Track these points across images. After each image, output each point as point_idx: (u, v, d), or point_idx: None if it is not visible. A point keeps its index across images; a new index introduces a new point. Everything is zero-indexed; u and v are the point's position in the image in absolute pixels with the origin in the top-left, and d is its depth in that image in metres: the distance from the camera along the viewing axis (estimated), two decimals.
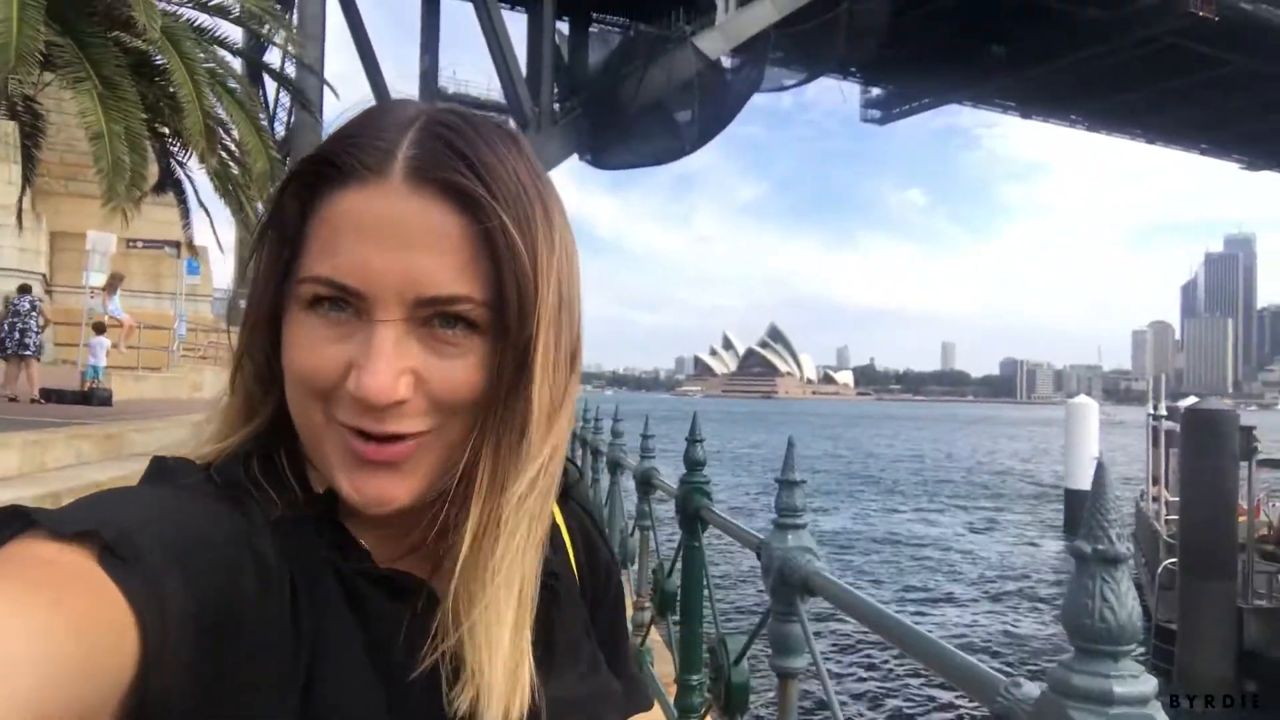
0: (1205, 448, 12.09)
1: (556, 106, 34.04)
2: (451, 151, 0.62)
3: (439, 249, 0.61)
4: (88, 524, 0.50)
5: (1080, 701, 1.10)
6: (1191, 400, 15.66)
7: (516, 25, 35.22)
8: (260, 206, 9.72)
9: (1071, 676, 1.12)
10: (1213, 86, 51.35)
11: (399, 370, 0.60)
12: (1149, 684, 1.11)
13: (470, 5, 32.69)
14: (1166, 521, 15.55)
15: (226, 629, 0.54)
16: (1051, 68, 48.68)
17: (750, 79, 37.52)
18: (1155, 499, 17.64)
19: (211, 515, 0.59)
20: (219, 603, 0.54)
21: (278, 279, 0.64)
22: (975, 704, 1.35)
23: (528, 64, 33.05)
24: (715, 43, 33.64)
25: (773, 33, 34.60)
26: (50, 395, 12.69)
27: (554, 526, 0.78)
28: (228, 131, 9.06)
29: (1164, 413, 17.98)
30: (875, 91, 57.53)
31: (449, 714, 0.62)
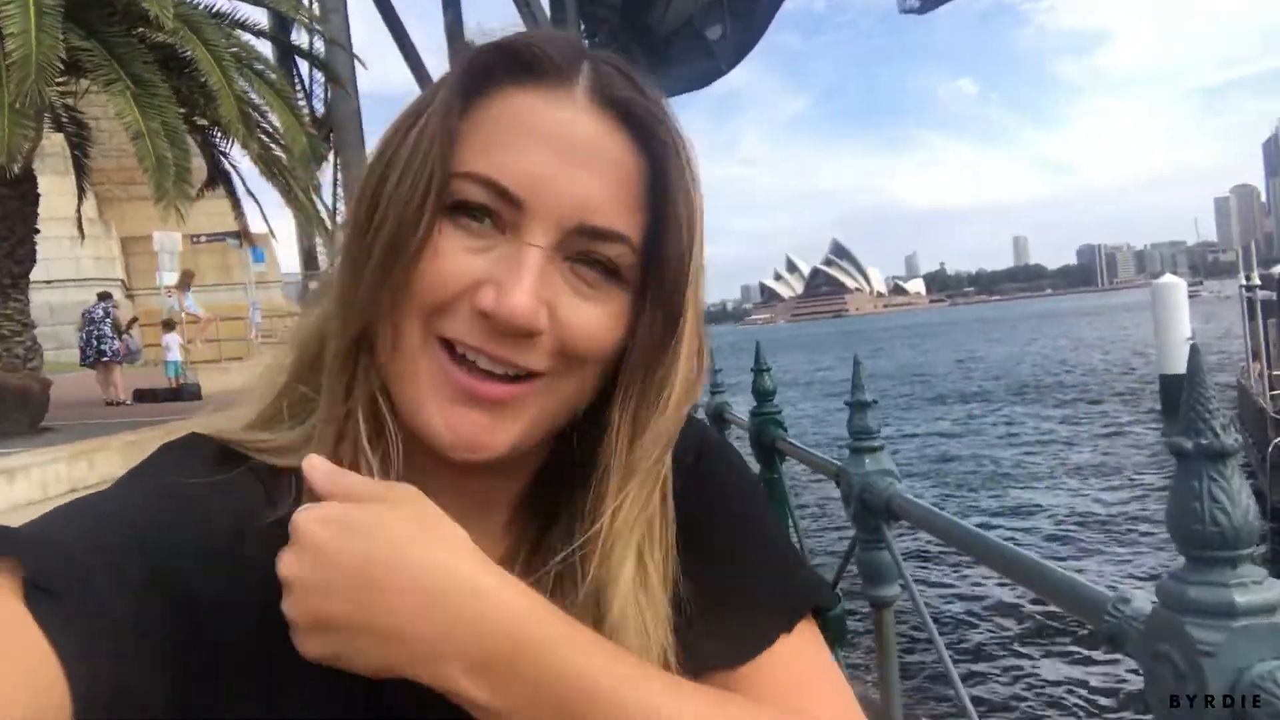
0: None
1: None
2: (633, 84, 0.59)
3: (611, 178, 0.58)
4: (14, 548, 0.45)
5: (1198, 616, 1.00)
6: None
7: None
8: (303, 192, 9.78)
9: (1186, 589, 1.02)
10: None
11: (542, 297, 0.56)
12: (1275, 590, 1.00)
13: None
14: (1272, 397, 14.87)
15: (191, 647, 0.50)
16: None
17: None
18: (1259, 375, 16.87)
19: (192, 517, 0.54)
20: (182, 621, 0.50)
21: (426, 181, 0.56)
22: (1083, 624, 1.24)
23: (551, 2, 32.44)
24: None
25: None
26: (144, 395, 13.25)
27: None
28: (264, 116, 9.12)
29: (1257, 282, 17.09)
30: None
31: None
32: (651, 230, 0.58)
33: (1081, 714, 7.41)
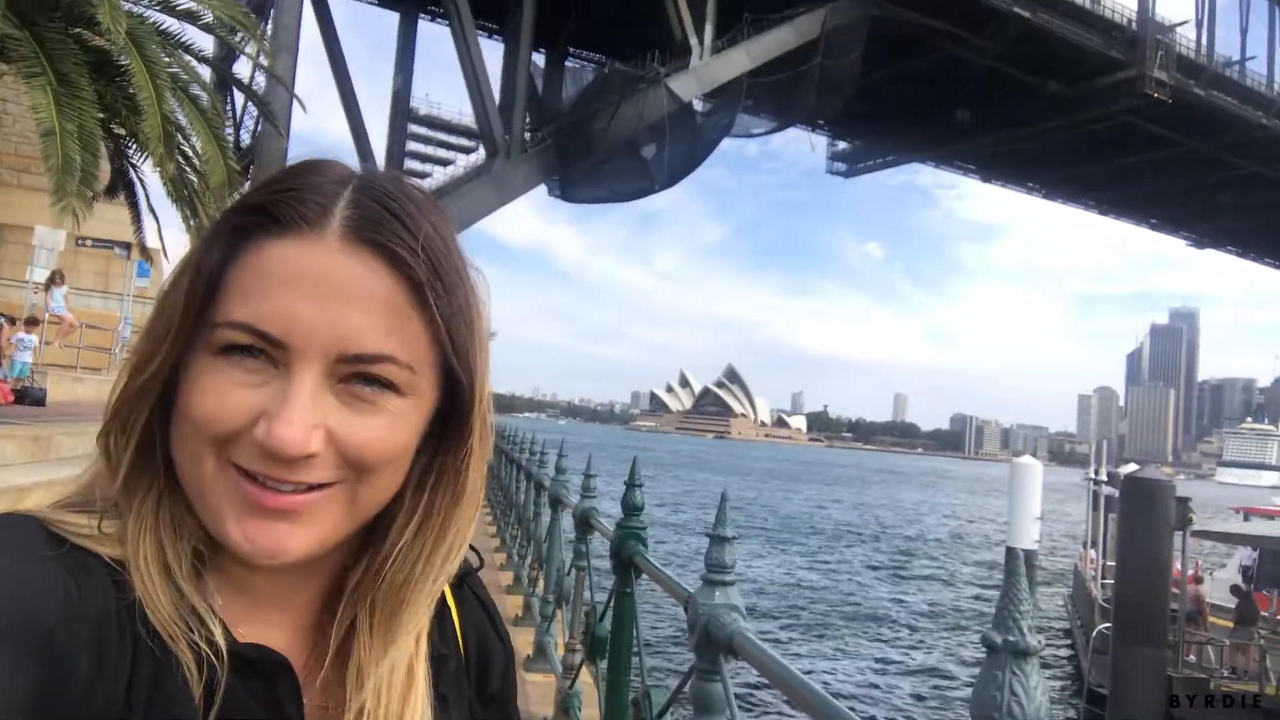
0: (1142, 515, 12.32)
1: (527, 136, 34.16)
2: (387, 213, 0.63)
3: (369, 307, 0.61)
4: None
5: None
6: (1132, 467, 16.01)
7: (492, 53, 35.48)
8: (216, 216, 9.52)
9: None
10: (1163, 165, 53.24)
11: (313, 423, 0.60)
12: None
13: (447, 29, 32.85)
14: (1103, 586, 15.80)
15: (53, 712, 0.52)
16: (1013, 136, 50.13)
17: (721, 124, 38.09)
18: (1092, 563, 17.94)
19: (46, 587, 0.55)
20: (43, 692, 0.51)
21: (189, 324, 0.62)
22: None
23: (501, 91, 33.19)
24: (689, 86, 34.14)
25: (746, 81, 35.23)
26: None
27: (445, 609, 0.77)
28: (187, 138, 8.91)
29: (1104, 478, 18.36)
30: (842, 145, 58.71)
31: None
32: (422, 343, 0.63)
33: None
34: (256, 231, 0.62)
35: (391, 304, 0.62)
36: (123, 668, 0.56)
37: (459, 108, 38.61)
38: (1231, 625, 14.15)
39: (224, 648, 0.61)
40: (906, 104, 48.34)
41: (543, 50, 40.27)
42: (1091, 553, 18.39)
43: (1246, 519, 20.60)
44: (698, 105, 36.55)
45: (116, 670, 0.56)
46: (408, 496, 0.67)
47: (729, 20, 34.90)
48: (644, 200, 39.81)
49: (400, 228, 0.62)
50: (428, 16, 40.16)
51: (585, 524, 4.77)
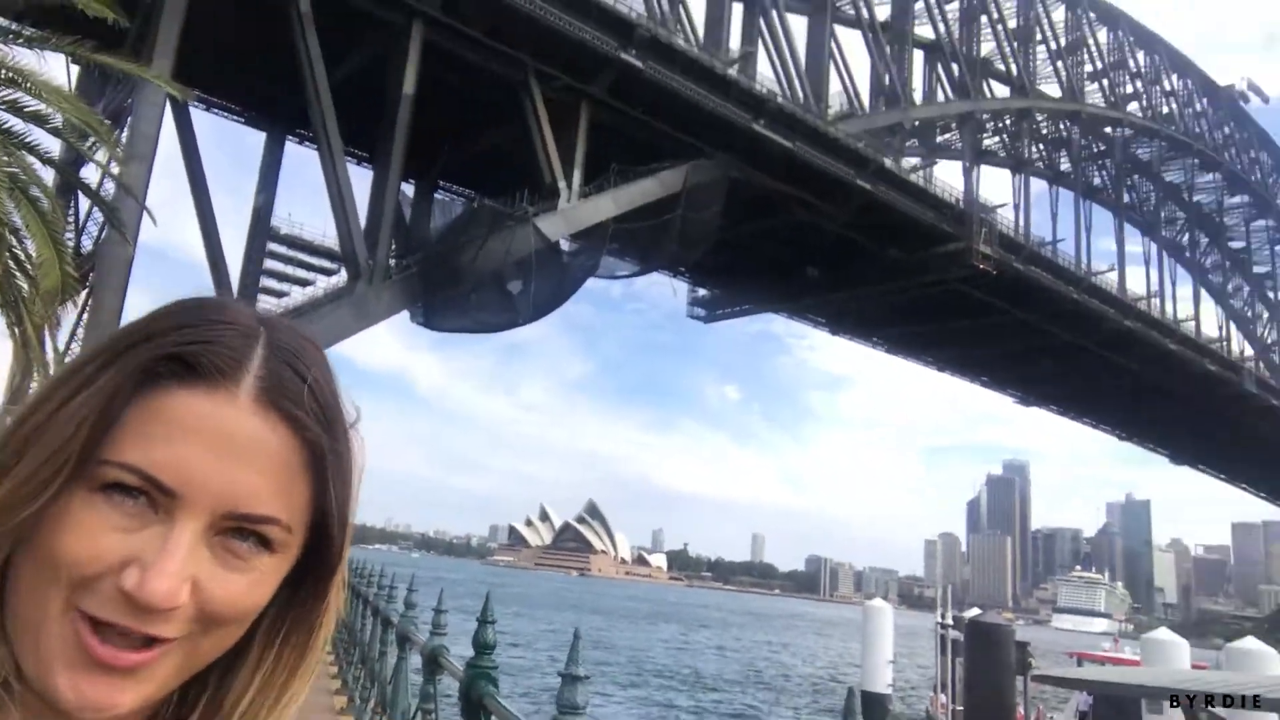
0: (986, 659, 12.72)
1: (392, 262, 33.98)
2: (297, 377, 0.63)
3: (266, 469, 0.61)
4: None
5: None
6: (975, 611, 16.63)
7: (361, 179, 35.55)
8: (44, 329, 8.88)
9: None
10: (991, 330, 58.29)
11: (185, 576, 0.59)
12: None
13: (315, 151, 32.85)
14: None
15: None
16: (858, 294, 53.99)
17: (586, 264, 39.22)
18: (942, 706, 18.22)
19: None
20: None
21: (67, 456, 0.58)
22: None
23: (368, 217, 33.10)
24: (556, 226, 35.17)
25: (611, 225, 36.68)
26: None
27: None
28: (21, 241, 8.34)
29: (950, 621, 18.95)
30: (702, 291, 61.36)
31: None
32: (305, 505, 0.63)
33: None
34: (168, 377, 0.60)
35: (287, 467, 0.62)
36: None
37: (322, 229, 37.98)
38: None
39: None
40: (763, 258, 51.55)
41: (412, 180, 40.75)
42: (942, 696, 18.71)
43: (1080, 664, 21.58)
44: (564, 245, 37.63)
45: None
46: (253, 649, 0.65)
47: (597, 168, 36.63)
48: (511, 332, 40.01)
49: (308, 394, 0.63)
50: (295, 139, 40.14)
51: (434, 663, 4.46)
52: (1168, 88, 76.46)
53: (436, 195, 43.08)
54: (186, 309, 0.64)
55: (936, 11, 54.84)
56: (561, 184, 35.28)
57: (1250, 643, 18.63)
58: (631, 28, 35.48)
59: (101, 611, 0.57)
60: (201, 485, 0.58)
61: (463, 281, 33.98)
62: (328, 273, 38.74)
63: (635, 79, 36.09)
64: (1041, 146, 63.96)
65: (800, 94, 43.91)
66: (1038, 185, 61.81)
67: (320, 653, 0.68)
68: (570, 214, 35.58)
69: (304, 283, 39.61)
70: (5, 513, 0.58)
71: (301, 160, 40.56)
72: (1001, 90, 59.43)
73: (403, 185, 36.63)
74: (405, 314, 35.24)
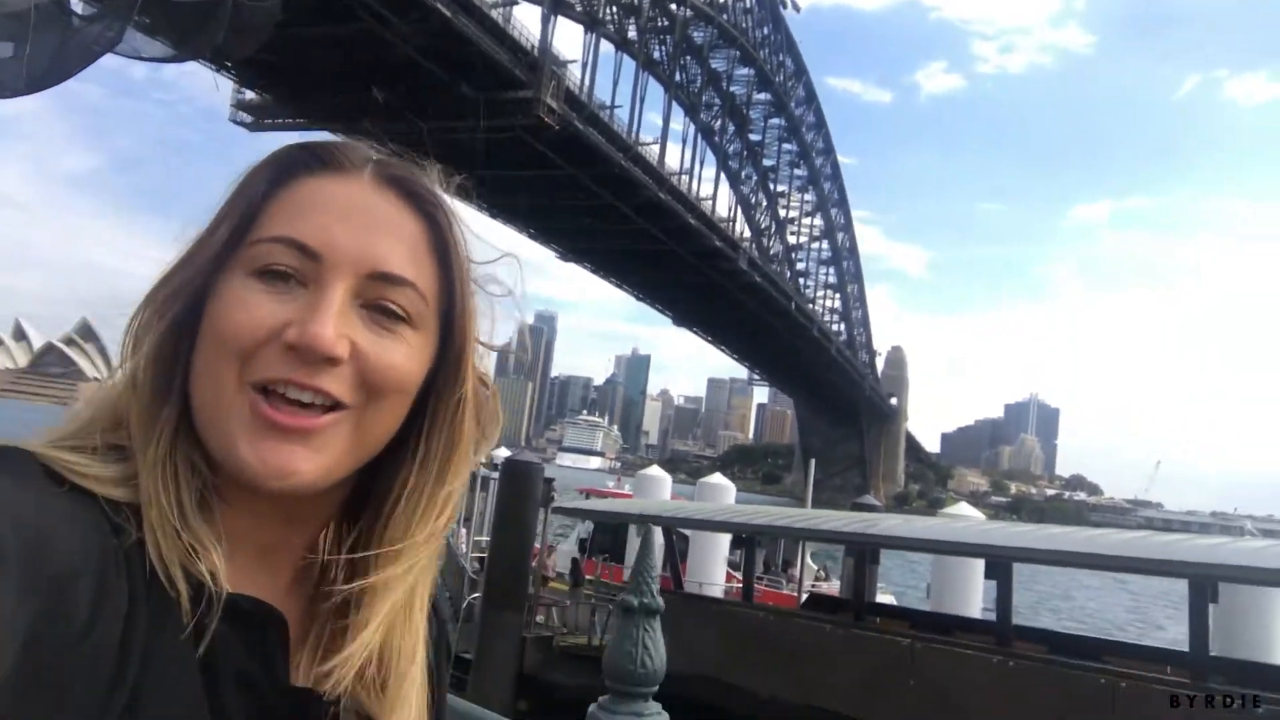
0: (518, 494, 13.58)
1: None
2: (411, 171, 0.72)
3: (396, 236, 0.67)
4: None
5: None
6: (503, 451, 17.62)
7: None
8: None
9: (614, 716, 1.17)
10: (544, 183, 60.94)
11: (341, 331, 0.63)
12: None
13: None
14: (473, 560, 17.07)
15: (52, 643, 0.50)
16: (424, 128, 52.24)
17: (106, 35, 31.85)
18: (464, 539, 19.32)
19: (50, 519, 0.54)
20: (44, 624, 0.50)
21: (222, 246, 0.66)
22: None
23: None
24: None
25: None
26: None
27: None
28: None
29: (484, 460, 19.95)
30: (250, 95, 54.53)
31: None
32: (434, 282, 0.69)
33: None
34: (300, 169, 0.68)
35: (415, 241, 0.68)
36: (121, 607, 0.56)
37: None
38: (568, 588, 16.56)
39: (225, 593, 0.61)
40: (326, 69, 46.83)
41: None
42: (463, 530, 19.80)
43: (587, 498, 24.38)
44: (78, 5, 30.06)
45: (115, 609, 0.55)
46: (409, 443, 0.69)
47: None
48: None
49: (427, 182, 0.72)
50: None
51: None
52: None
53: None
54: (313, 140, 0.72)
55: None
56: None
57: (716, 478, 22.76)
58: None
59: (270, 371, 0.61)
60: (343, 248, 0.64)
61: None
62: None
63: None
64: (615, 10, 66.49)
65: None
66: (606, 48, 64.47)
67: (468, 452, 0.71)
68: None
69: None
70: (167, 281, 0.66)
71: None
72: None
73: None
74: None
